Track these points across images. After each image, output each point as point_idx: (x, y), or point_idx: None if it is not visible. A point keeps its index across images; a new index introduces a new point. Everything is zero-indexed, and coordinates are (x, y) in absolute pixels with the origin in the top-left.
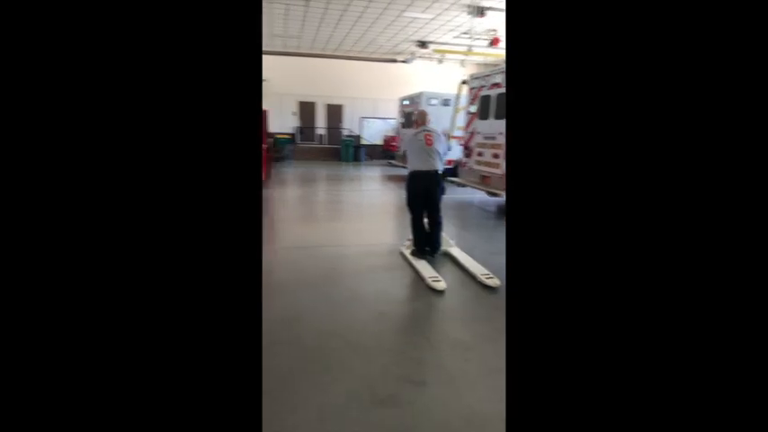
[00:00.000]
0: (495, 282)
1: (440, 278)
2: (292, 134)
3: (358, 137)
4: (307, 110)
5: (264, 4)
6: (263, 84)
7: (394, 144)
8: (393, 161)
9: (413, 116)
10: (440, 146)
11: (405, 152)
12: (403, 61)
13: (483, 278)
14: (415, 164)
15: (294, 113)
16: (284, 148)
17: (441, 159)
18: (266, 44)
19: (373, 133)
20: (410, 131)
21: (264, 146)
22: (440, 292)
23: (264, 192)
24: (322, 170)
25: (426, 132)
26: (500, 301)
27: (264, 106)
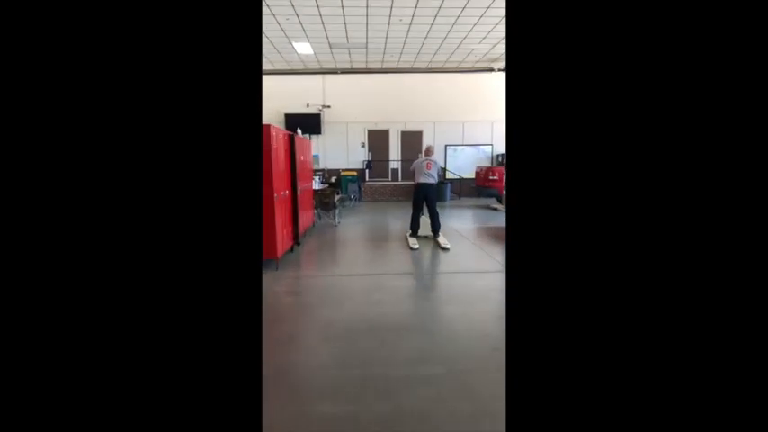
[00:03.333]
0: (447, 246)
1: (417, 245)
2: (361, 170)
3: (442, 170)
4: (378, 140)
5: (313, 6)
6: (324, 111)
7: (494, 179)
8: (496, 204)
9: (424, 151)
10: (434, 171)
11: (413, 170)
12: (501, 70)
13: (442, 244)
14: (420, 179)
15: (363, 145)
16: (348, 189)
17: (435, 178)
18: (326, 60)
19: (461, 164)
20: (418, 161)
21: (284, 191)
22: (414, 250)
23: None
24: (390, 219)
25: (428, 161)
26: (440, 253)
27: (326, 138)
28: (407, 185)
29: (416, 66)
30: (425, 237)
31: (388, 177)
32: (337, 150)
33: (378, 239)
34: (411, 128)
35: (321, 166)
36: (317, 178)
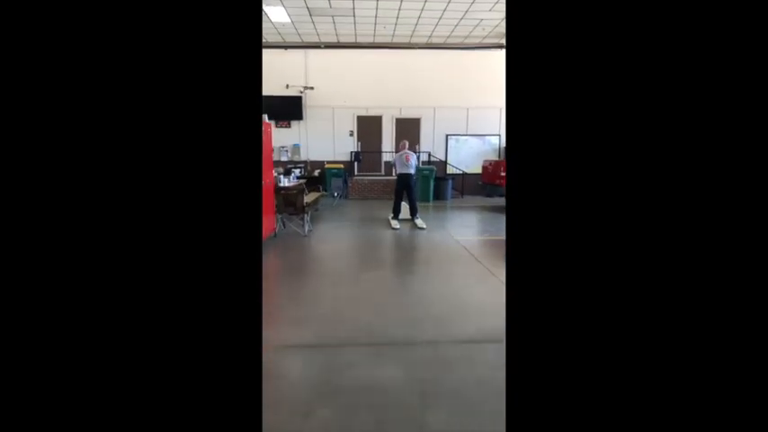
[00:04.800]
0: (424, 226)
1: (398, 225)
2: (349, 162)
3: (442, 163)
4: (368, 127)
5: None
6: (306, 93)
7: (506, 175)
8: None
9: (399, 146)
10: (412, 161)
11: (393, 162)
12: None
13: (419, 225)
14: (401, 170)
15: (351, 133)
16: (331, 185)
17: (413, 168)
18: (308, 32)
19: (464, 157)
20: (398, 153)
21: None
22: (395, 229)
23: None
24: (379, 225)
25: (406, 154)
26: (416, 231)
27: (309, 124)
28: None
29: (414, 41)
30: (406, 219)
31: (380, 171)
32: (322, 139)
33: (356, 262)
34: (407, 114)
35: (303, 158)
36: (296, 171)
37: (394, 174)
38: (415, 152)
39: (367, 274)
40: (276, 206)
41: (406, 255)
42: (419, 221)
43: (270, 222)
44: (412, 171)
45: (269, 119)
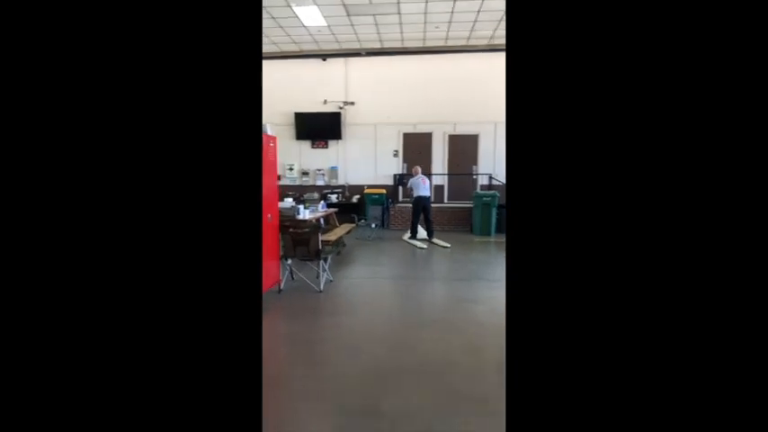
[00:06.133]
0: (446, 245)
1: (424, 246)
2: (392, 186)
3: (506, 188)
4: (416, 146)
5: None
6: (346, 110)
7: None
8: None
9: (413, 171)
10: (428, 184)
11: (411, 186)
12: None
13: (441, 244)
14: (420, 192)
15: (395, 153)
16: (369, 213)
17: (428, 190)
18: (347, 37)
19: None
20: (414, 178)
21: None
22: (421, 249)
23: None
24: (416, 273)
25: (423, 178)
26: (442, 250)
27: (348, 144)
28: (457, 209)
29: (472, 43)
30: (423, 239)
31: None
32: (362, 161)
33: (381, 358)
34: (462, 130)
35: (341, 182)
36: (333, 197)
37: (411, 197)
38: (473, 174)
39: (393, 399)
40: (282, 248)
41: (460, 345)
42: (437, 241)
43: (271, 274)
44: (429, 194)
45: (305, 139)
